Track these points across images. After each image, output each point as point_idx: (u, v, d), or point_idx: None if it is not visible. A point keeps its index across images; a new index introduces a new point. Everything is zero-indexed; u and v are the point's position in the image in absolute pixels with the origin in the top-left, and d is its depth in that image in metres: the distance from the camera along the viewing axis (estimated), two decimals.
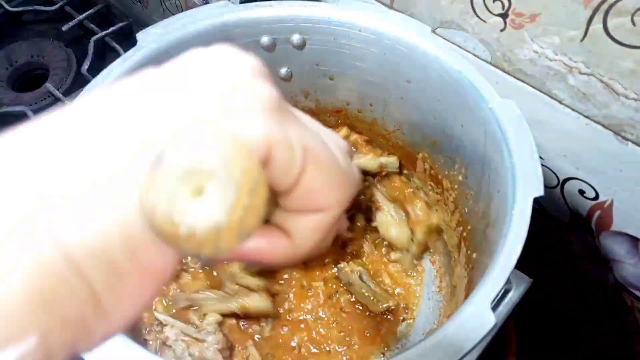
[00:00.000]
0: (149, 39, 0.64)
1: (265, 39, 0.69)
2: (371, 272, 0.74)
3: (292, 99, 0.78)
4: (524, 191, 0.51)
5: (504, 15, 0.60)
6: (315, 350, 0.69)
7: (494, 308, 0.65)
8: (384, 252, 0.77)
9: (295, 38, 0.69)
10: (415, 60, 0.64)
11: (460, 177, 0.68)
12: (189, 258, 0.71)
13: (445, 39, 0.68)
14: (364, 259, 0.76)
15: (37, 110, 0.92)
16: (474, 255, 0.63)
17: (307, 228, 0.30)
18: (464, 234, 0.68)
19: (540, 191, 0.51)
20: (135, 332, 0.68)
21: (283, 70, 0.73)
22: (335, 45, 0.68)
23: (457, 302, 0.66)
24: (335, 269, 0.74)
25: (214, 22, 0.66)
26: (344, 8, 0.66)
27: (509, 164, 0.53)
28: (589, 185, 0.67)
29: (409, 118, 0.72)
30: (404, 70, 0.66)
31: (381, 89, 0.71)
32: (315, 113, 0.80)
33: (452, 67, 0.61)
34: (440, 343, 0.43)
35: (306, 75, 0.74)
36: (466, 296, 0.52)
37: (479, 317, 0.45)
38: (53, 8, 1.10)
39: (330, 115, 0.80)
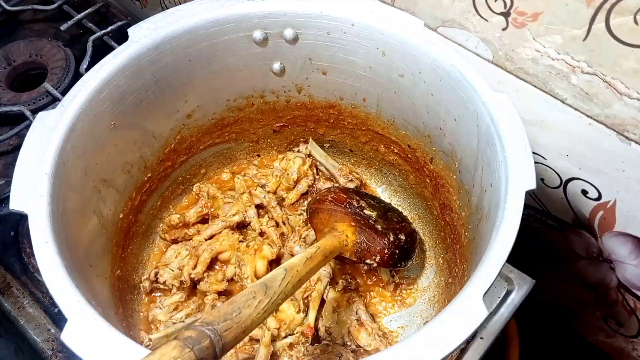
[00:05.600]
0: (140, 34, 0.64)
1: (257, 34, 0.68)
2: None
3: (285, 94, 0.78)
4: (516, 185, 0.51)
5: (506, 14, 0.60)
6: None
7: (498, 307, 0.66)
8: None
9: (288, 32, 0.68)
10: (407, 54, 0.64)
11: (453, 172, 0.67)
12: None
13: (447, 38, 0.68)
14: None
15: (35, 110, 0.92)
16: (468, 249, 0.63)
17: None
18: (457, 229, 0.67)
19: (532, 184, 0.50)
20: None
21: (276, 65, 0.73)
22: (328, 39, 0.68)
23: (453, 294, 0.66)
24: None
25: (206, 17, 0.66)
26: (336, 2, 0.66)
27: (501, 158, 0.53)
28: (592, 185, 0.67)
29: (402, 113, 0.72)
30: (397, 65, 0.66)
31: (374, 83, 0.71)
32: (309, 108, 0.80)
33: (444, 60, 0.60)
34: (432, 336, 0.43)
35: (299, 70, 0.74)
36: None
37: (471, 309, 0.44)
38: (51, 7, 1.09)
39: (324, 110, 0.80)
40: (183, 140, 0.77)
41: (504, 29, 0.61)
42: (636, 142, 0.59)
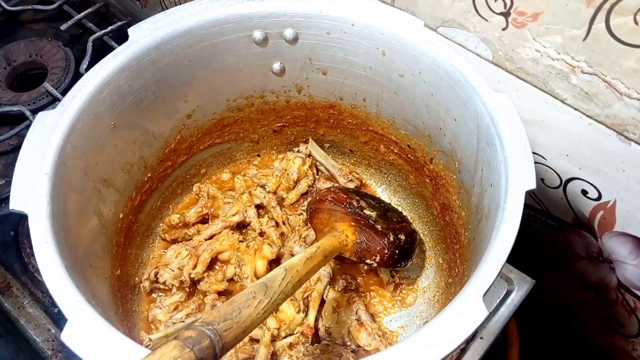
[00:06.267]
0: (140, 34, 0.64)
1: (257, 34, 0.68)
2: None
3: (285, 94, 0.78)
4: (516, 185, 0.51)
5: (506, 14, 0.60)
6: None
7: (498, 307, 0.65)
8: None
9: (288, 32, 0.68)
10: (407, 54, 0.64)
11: (453, 172, 0.67)
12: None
13: (447, 38, 0.67)
14: None
15: (35, 110, 0.92)
16: (468, 249, 0.63)
17: None
18: (457, 229, 0.67)
19: (532, 184, 0.51)
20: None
21: (276, 65, 0.73)
22: (328, 39, 0.68)
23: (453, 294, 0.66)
24: None
25: (206, 17, 0.66)
26: (336, 2, 0.66)
27: (501, 158, 0.53)
28: (592, 185, 0.67)
29: (402, 113, 0.72)
30: (397, 65, 0.66)
31: (374, 83, 0.71)
32: (309, 108, 0.80)
33: (444, 60, 0.60)
34: (432, 336, 0.43)
35: (299, 70, 0.74)
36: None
37: (471, 309, 0.44)
38: (51, 7, 1.09)
39: (324, 110, 0.80)
40: (183, 140, 0.77)
41: (504, 29, 0.61)
42: (636, 142, 0.59)
